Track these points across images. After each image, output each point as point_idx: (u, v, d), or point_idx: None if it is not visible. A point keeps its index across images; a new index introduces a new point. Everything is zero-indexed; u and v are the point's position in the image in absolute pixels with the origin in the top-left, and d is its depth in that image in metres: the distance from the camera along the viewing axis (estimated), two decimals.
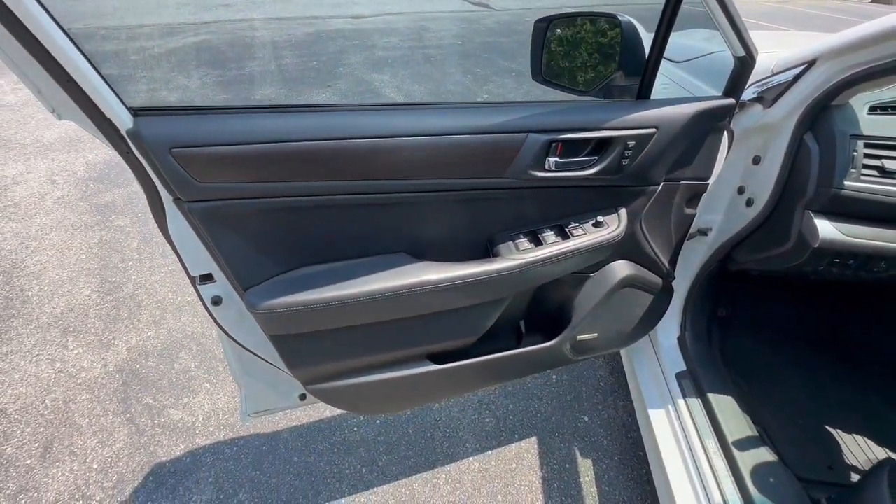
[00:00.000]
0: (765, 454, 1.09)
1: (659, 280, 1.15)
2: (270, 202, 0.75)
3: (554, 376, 1.76)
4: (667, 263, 1.14)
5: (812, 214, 0.95)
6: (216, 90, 4.50)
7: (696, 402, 1.23)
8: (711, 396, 1.22)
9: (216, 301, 0.85)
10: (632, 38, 0.87)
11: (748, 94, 1.06)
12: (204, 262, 0.80)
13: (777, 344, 1.52)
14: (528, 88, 4.49)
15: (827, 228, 0.93)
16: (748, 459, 1.08)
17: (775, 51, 1.08)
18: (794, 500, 1.00)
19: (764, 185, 1.06)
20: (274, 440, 1.52)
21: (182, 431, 1.54)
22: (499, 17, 7.93)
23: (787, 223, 1.01)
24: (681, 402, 1.25)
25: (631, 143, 0.85)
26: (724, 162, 1.12)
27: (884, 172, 0.89)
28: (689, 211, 1.07)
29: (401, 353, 1.00)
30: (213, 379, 1.72)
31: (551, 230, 0.94)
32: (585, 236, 0.93)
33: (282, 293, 0.80)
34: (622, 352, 1.57)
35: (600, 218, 0.94)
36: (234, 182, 0.71)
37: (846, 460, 1.18)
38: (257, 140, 0.70)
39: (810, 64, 0.93)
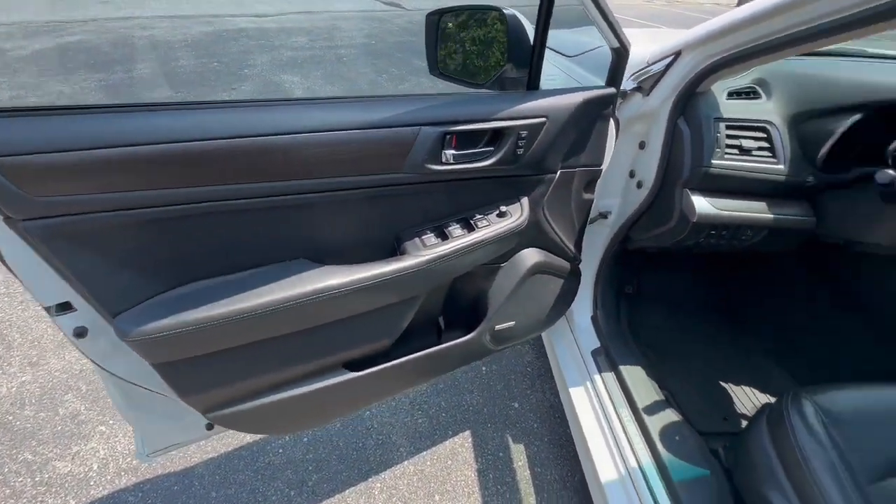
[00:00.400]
0: (671, 415, 1.19)
1: (567, 264, 1.20)
2: (134, 214, 0.66)
3: (483, 368, 1.79)
4: (572, 247, 1.19)
5: (689, 192, 1.04)
6: (99, 96, 4.01)
7: (610, 376, 1.31)
8: (623, 369, 1.30)
9: (80, 333, 0.74)
10: (516, 30, 0.89)
11: (629, 84, 1.14)
12: (57, 288, 0.68)
13: (677, 313, 1.67)
14: (442, 87, 4.53)
15: (702, 204, 1.02)
16: (656, 422, 1.16)
17: (652, 44, 1.17)
18: (697, 452, 1.09)
19: (649, 168, 1.15)
20: (187, 477, 1.38)
21: (72, 485, 1.34)
22: (411, 17, 7.94)
23: (670, 202, 1.10)
24: (597, 377, 1.32)
25: (523, 133, 0.87)
26: (615, 148, 1.20)
27: (742, 151, 1.00)
28: (587, 196, 1.13)
29: (313, 365, 0.94)
30: (108, 420, 1.52)
31: (457, 223, 0.94)
32: (490, 227, 0.94)
33: (161, 315, 0.71)
34: (543, 336, 1.63)
35: (503, 208, 0.95)
36: (84, 194, 0.61)
37: (738, 411, 1.32)
38: (113, 143, 0.61)
39: (677, 55, 1.02)
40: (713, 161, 0.99)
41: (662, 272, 1.76)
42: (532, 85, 0.92)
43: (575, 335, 1.47)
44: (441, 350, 1.10)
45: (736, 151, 1.00)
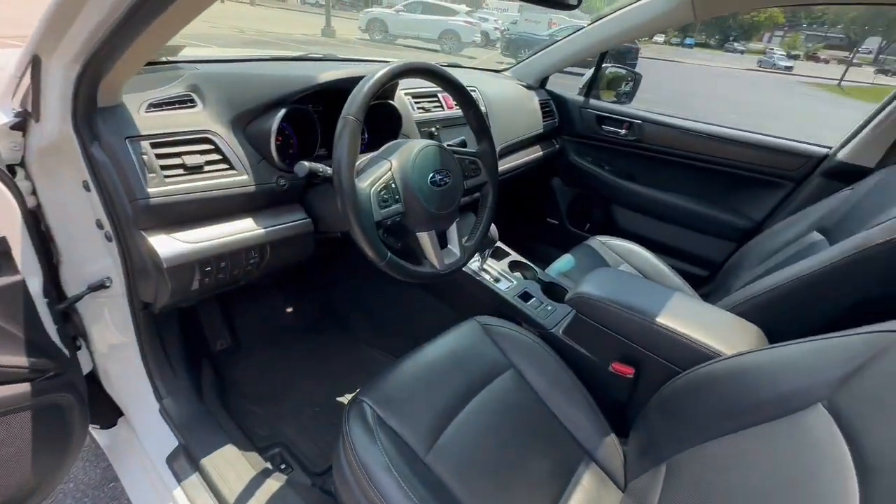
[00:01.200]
0: (273, 484, 0.98)
1: (23, 389, 0.77)
2: None
3: None
4: (24, 360, 0.77)
5: (145, 234, 0.80)
6: None
7: (195, 482, 0.98)
8: (209, 461, 1.00)
9: None
10: None
11: (9, 109, 0.79)
12: None
13: (285, 346, 1.51)
14: None
15: (165, 245, 0.80)
16: None
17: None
18: None
19: (104, 214, 0.85)
20: None
21: None
22: None
23: (138, 251, 0.83)
24: (179, 493, 0.97)
25: None
26: (63, 197, 0.85)
27: (189, 169, 0.83)
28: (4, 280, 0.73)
29: None
30: None
31: None
32: None
33: None
34: (117, 470, 1.16)
35: None
36: None
37: None
38: None
39: (37, 61, 0.73)
40: (151, 189, 0.77)
41: (260, 306, 1.57)
42: None
43: (144, 447, 1.07)
44: None
45: (181, 171, 0.82)
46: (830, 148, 1.55)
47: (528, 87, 1.89)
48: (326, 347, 1.52)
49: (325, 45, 11.34)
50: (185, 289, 0.86)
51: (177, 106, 0.87)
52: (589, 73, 1.96)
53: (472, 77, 1.63)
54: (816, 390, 0.61)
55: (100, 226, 0.89)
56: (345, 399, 1.34)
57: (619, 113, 1.90)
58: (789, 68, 28.88)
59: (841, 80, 22.77)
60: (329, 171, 0.80)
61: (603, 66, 1.91)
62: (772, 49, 40.44)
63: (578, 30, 1.78)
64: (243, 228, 0.90)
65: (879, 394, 0.54)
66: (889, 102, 1.40)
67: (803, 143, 1.62)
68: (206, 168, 0.85)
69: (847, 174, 1.42)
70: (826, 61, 41.79)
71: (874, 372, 0.56)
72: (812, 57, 45.54)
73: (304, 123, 1.02)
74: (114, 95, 0.78)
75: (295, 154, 1.03)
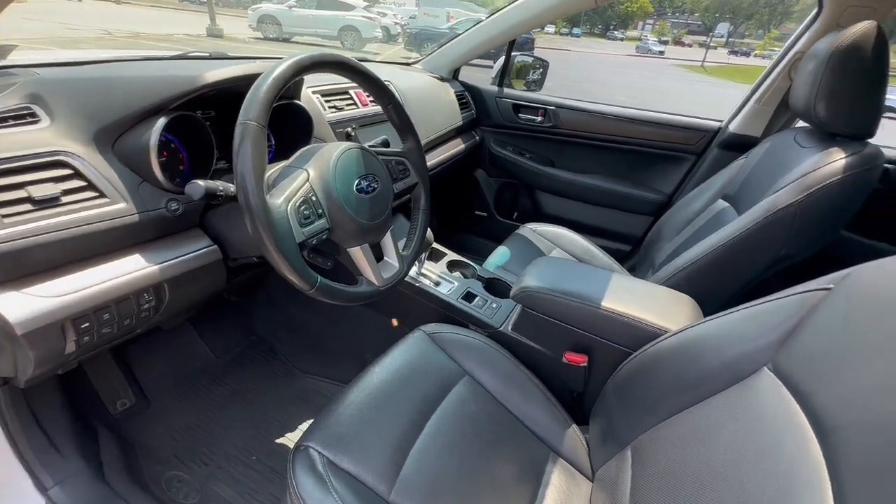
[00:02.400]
0: None
1: None
2: None
3: None
4: None
5: None
6: None
7: None
8: None
9: None
10: None
11: None
12: None
13: (207, 388, 1.32)
14: None
15: (17, 304, 0.61)
16: None
17: None
18: None
19: None
20: None
21: None
22: None
23: None
24: None
25: None
26: None
27: (38, 203, 0.64)
28: None
29: None
30: None
31: None
32: None
33: None
34: None
35: None
36: None
37: None
38: None
39: None
40: None
41: (168, 348, 1.34)
42: None
43: None
44: None
45: (27, 207, 0.63)
46: (722, 121, 1.70)
47: (442, 80, 1.83)
48: (256, 384, 1.35)
49: (212, 46, 10.38)
50: (55, 355, 0.68)
51: (11, 123, 0.67)
52: (500, 62, 1.95)
53: (383, 71, 1.53)
54: (759, 354, 0.62)
55: None
56: (286, 439, 1.20)
57: (534, 100, 1.92)
58: (662, 52, 32.29)
59: (703, 61, 26.01)
60: (231, 188, 0.67)
61: (512, 54, 1.91)
62: (646, 36, 44.94)
63: (479, 22, 1.75)
64: (129, 268, 0.73)
65: (817, 352, 0.55)
66: (765, 78, 1.55)
67: (700, 118, 1.75)
68: (65, 199, 0.67)
69: (740, 144, 1.56)
70: (690, 45, 47.40)
71: (808, 331, 0.58)
72: (679, 42, 51.41)
73: (193, 133, 0.86)
74: None
75: (187, 171, 0.87)
